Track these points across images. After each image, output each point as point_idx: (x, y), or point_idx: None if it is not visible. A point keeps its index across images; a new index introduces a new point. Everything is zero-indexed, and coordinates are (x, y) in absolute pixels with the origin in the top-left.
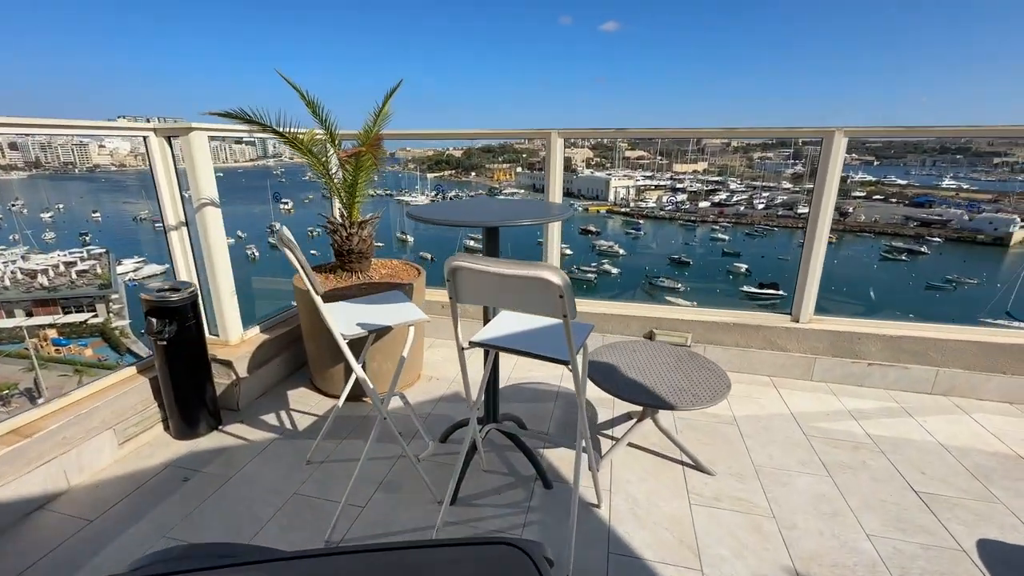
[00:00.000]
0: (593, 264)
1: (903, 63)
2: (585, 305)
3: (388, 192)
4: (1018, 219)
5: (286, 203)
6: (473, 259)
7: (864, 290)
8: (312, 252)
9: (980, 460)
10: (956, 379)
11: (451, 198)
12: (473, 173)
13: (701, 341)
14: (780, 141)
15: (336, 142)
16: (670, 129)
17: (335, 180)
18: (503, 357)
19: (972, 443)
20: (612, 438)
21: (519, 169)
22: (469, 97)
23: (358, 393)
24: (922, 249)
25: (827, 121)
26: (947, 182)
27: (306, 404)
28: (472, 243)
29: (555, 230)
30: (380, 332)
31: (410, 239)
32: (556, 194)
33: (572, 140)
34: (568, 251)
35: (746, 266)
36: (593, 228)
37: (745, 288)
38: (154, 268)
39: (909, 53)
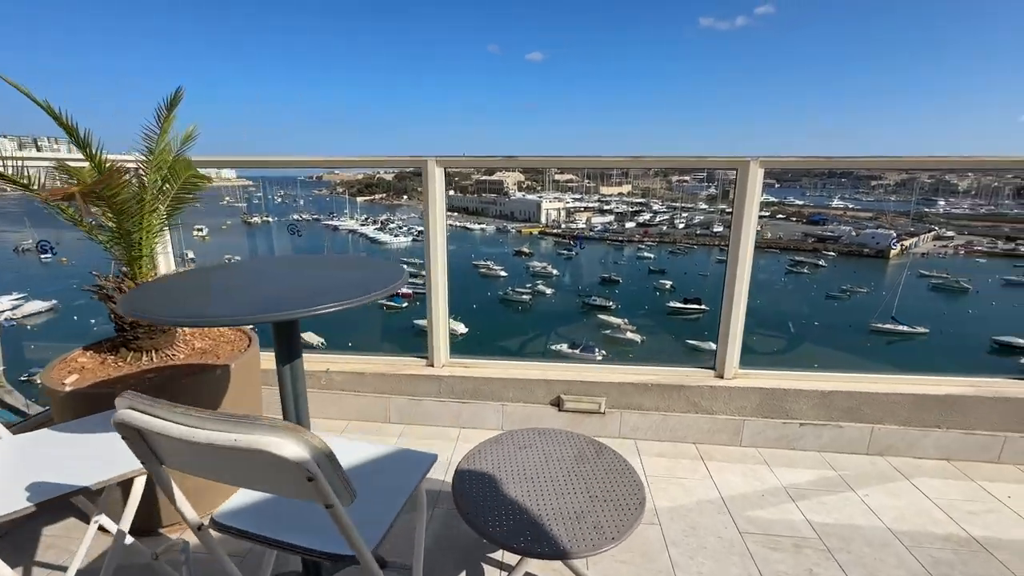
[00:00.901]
0: (528, 286)
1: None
2: (480, 368)
3: (315, 216)
4: (895, 234)
5: (200, 229)
6: (154, 406)
7: (776, 306)
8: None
9: (935, 551)
10: (892, 437)
11: (382, 222)
12: (405, 196)
13: (617, 406)
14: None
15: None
16: (561, 158)
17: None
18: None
19: (922, 524)
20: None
21: (452, 192)
22: (391, 118)
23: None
24: (820, 263)
25: (737, 148)
26: (836, 202)
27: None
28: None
29: (440, 300)
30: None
31: None
32: (438, 232)
33: (454, 168)
34: (503, 273)
35: (671, 282)
36: (526, 250)
37: (671, 303)
38: (38, 305)
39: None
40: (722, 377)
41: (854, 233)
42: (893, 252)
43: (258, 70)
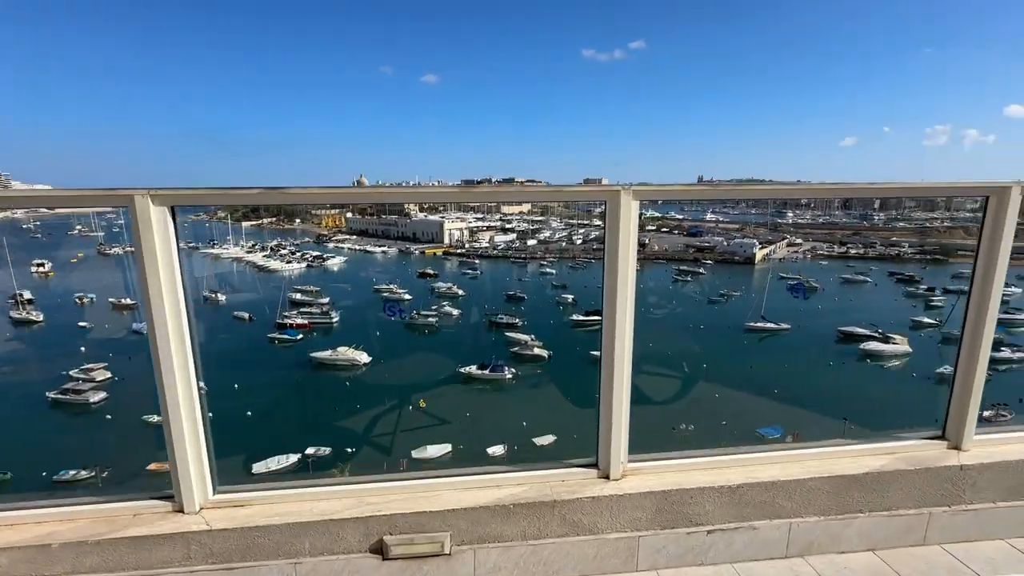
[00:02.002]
0: (434, 308)
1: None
2: (259, 507)
3: (191, 245)
4: (757, 243)
5: (41, 264)
6: None
7: (671, 317)
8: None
9: None
10: (813, 532)
11: (271, 248)
12: (298, 220)
13: (468, 541)
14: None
15: None
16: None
17: None
18: None
19: None
20: None
21: (349, 214)
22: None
23: None
24: (700, 271)
25: (618, 172)
26: (709, 215)
27: None
28: (298, 295)
29: None
30: None
31: (222, 298)
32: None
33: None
34: (407, 296)
35: (573, 296)
36: (430, 271)
37: (574, 316)
38: None
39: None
40: (607, 478)
41: (726, 243)
42: (758, 258)
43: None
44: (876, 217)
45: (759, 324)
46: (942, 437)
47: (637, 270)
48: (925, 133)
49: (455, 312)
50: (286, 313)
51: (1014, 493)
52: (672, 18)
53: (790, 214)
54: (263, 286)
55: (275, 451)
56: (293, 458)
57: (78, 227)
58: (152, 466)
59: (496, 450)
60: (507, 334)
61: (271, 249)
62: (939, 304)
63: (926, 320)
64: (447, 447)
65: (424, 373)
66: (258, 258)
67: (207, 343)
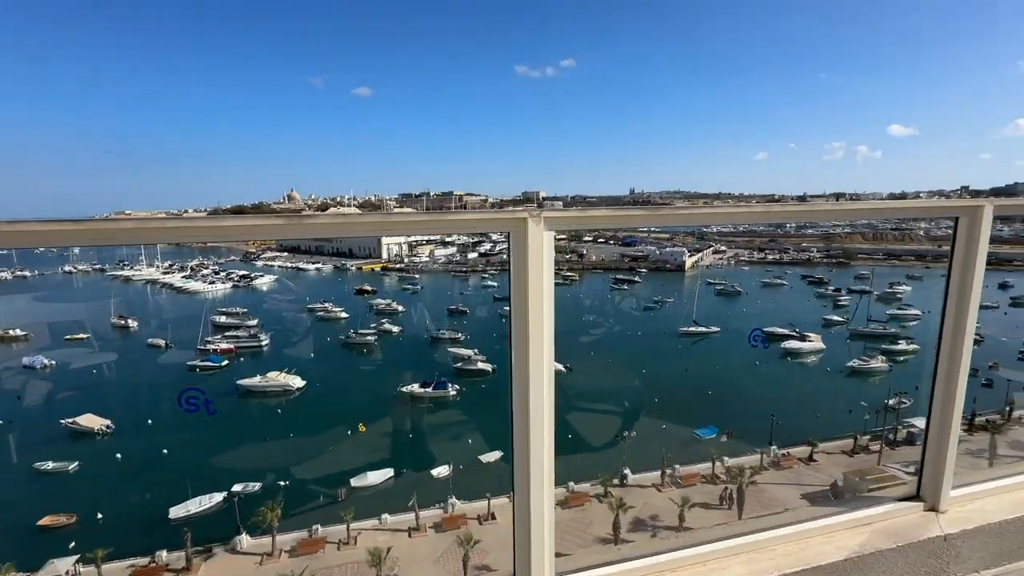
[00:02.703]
0: (372, 326)
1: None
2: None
3: (98, 267)
4: (686, 251)
5: None
6: None
7: (608, 323)
8: None
9: None
10: None
11: (192, 268)
12: None
13: None
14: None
15: None
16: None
17: None
18: None
19: None
20: None
21: None
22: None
23: None
24: (635, 279)
25: (545, 185)
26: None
27: None
28: (223, 318)
29: None
30: None
31: (133, 324)
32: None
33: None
34: (344, 315)
35: None
36: (368, 288)
37: None
38: None
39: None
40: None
41: (658, 252)
42: (687, 265)
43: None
44: (788, 225)
45: (691, 328)
46: (917, 497)
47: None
48: (825, 149)
49: (395, 329)
50: (208, 338)
51: (998, 557)
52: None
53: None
54: (183, 310)
55: (197, 491)
56: (217, 497)
57: None
58: (45, 520)
59: (441, 471)
60: (450, 349)
61: (191, 269)
62: (845, 303)
63: (835, 318)
64: (389, 472)
65: (363, 395)
66: (176, 279)
67: (116, 375)
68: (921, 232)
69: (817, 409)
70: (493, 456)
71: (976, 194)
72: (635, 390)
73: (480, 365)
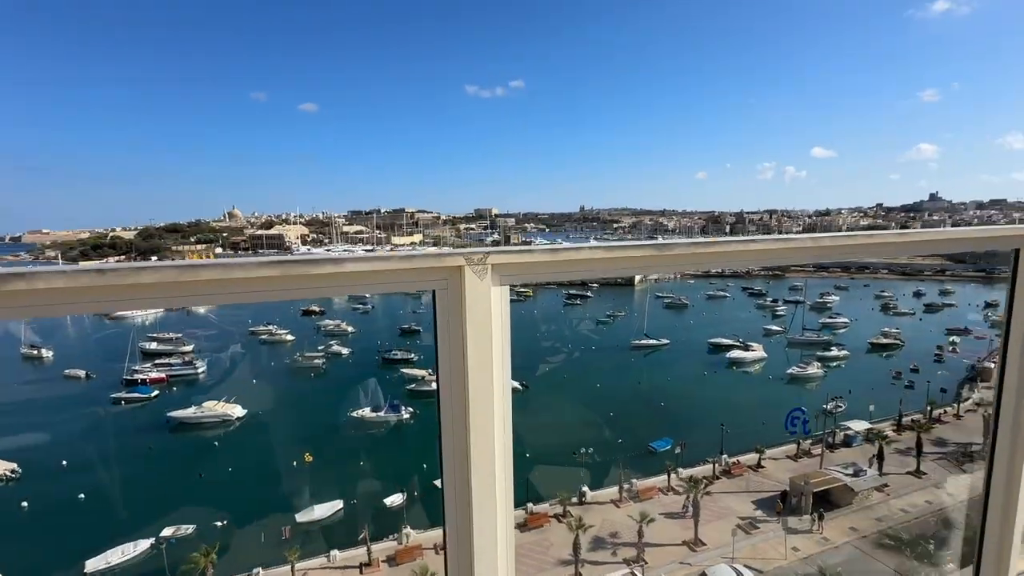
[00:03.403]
0: (320, 348)
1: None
2: None
3: None
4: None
5: None
6: None
7: (562, 339)
8: None
9: None
10: None
11: None
12: (154, 257)
13: None
14: (478, 214)
15: None
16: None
17: None
18: None
19: None
20: None
21: (219, 250)
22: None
23: None
24: (588, 294)
25: (506, 204)
26: (591, 242)
27: None
28: (154, 345)
29: None
30: None
31: (47, 354)
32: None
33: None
34: (289, 337)
35: None
36: (316, 308)
37: None
38: None
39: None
40: None
41: None
42: (637, 280)
43: None
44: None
45: (643, 341)
46: None
47: (529, 296)
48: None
49: (344, 351)
50: (136, 367)
51: None
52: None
53: (660, 239)
54: (108, 336)
55: (119, 538)
56: (143, 545)
57: None
58: None
59: (394, 500)
60: (402, 370)
61: None
62: (782, 313)
63: (774, 328)
64: (338, 504)
65: (310, 422)
66: None
67: (24, 412)
68: None
69: (762, 416)
70: None
71: (889, 211)
72: (591, 405)
73: (434, 385)
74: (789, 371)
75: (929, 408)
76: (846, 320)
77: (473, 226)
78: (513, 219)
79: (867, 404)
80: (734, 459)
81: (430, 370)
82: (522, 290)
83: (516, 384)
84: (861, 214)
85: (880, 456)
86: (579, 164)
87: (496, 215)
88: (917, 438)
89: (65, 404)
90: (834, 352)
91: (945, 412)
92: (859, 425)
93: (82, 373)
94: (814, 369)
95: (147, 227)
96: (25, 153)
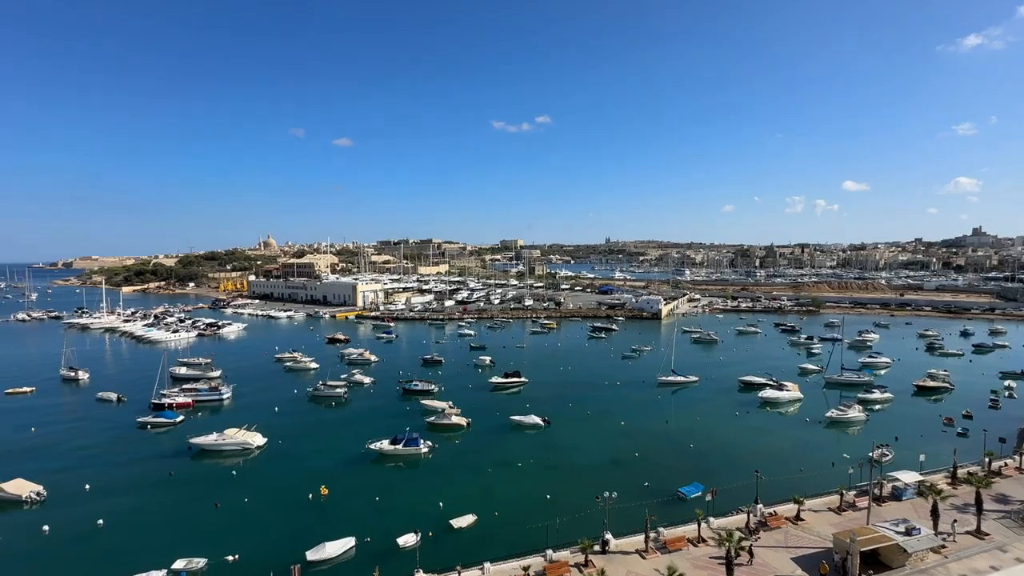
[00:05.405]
0: (343, 377)
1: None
2: None
3: (53, 314)
4: (662, 299)
5: None
6: None
7: (586, 371)
8: None
9: None
10: None
11: (155, 316)
12: (192, 284)
13: None
14: (504, 245)
15: None
16: None
17: None
18: None
19: None
20: None
21: (252, 277)
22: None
23: None
24: (613, 327)
25: (524, 234)
26: (617, 274)
27: None
28: (184, 369)
29: None
30: None
31: (83, 376)
32: None
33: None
34: (314, 365)
35: (490, 358)
36: (341, 336)
37: (493, 379)
38: None
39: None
40: None
41: (634, 300)
42: (663, 313)
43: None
44: (759, 274)
45: (670, 378)
46: None
47: (553, 328)
48: (786, 202)
49: (367, 380)
50: (164, 391)
51: None
52: (572, 99)
53: (688, 272)
54: (142, 360)
55: (132, 567)
56: None
57: None
58: None
59: (408, 540)
60: (423, 402)
61: (155, 317)
62: (818, 351)
63: (810, 366)
64: (351, 542)
65: (328, 453)
66: (138, 327)
67: (56, 434)
68: (883, 281)
69: (800, 462)
70: (466, 520)
71: (929, 246)
72: (615, 444)
73: (455, 419)
74: (828, 414)
75: (988, 460)
76: (888, 360)
77: (498, 257)
78: (538, 250)
79: (917, 453)
80: (770, 509)
81: (451, 403)
82: (546, 322)
83: (538, 420)
84: (899, 249)
85: (935, 512)
86: (605, 196)
87: (521, 246)
88: (976, 493)
89: (95, 427)
90: (876, 394)
91: (1006, 465)
92: (909, 476)
93: (114, 396)
94: (855, 412)
95: (187, 255)
96: (83, 183)
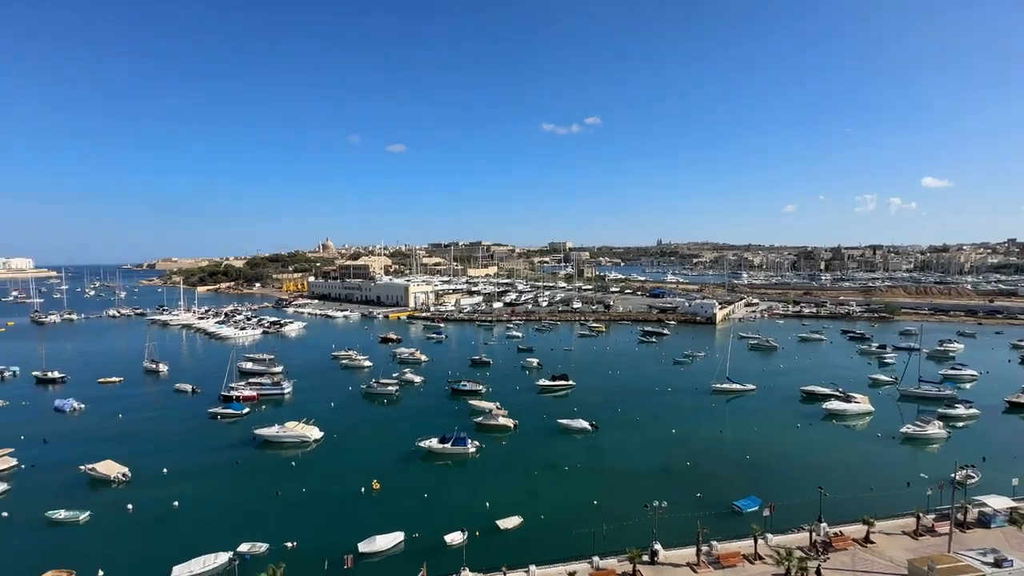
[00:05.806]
0: (395, 375)
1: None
2: None
3: (138, 311)
4: (717, 303)
5: None
6: None
7: (636, 376)
8: None
9: None
10: None
11: (225, 314)
12: (258, 284)
13: None
14: (552, 247)
15: None
16: None
17: None
18: None
19: None
20: None
21: (312, 278)
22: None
23: None
24: (664, 332)
25: (574, 235)
26: (669, 276)
27: None
28: (250, 364)
29: None
30: None
31: (163, 369)
32: None
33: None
34: (367, 363)
35: (537, 360)
36: (393, 336)
37: (540, 382)
38: None
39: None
40: None
41: (687, 304)
42: (719, 318)
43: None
44: (824, 277)
45: (725, 385)
46: None
47: (601, 332)
48: (856, 201)
49: (417, 379)
50: (232, 385)
51: None
52: (622, 99)
53: (745, 275)
54: (213, 355)
55: (202, 548)
56: (223, 558)
57: (14, 293)
58: (48, 575)
59: (455, 538)
60: (471, 402)
61: (225, 315)
62: (891, 361)
63: (883, 378)
64: (399, 536)
65: (380, 449)
66: (210, 324)
67: (140, 420)
68: (968, 286)
69: (870, 480)
70: (512, 522)
71: None
72: (665, 451)
73: (502, 420)
74: (903, 429)
75: None
76: (974, 372)
77: (547, 259)
78: (587, 252)
79: (1009, 476)
80: (835, 529)
81: (498, 404)
82: (594, 325)
83: (585, 424)
84: (988, 250)
85: None
86: (656, 197)
87: (570, 248)
88: None
89: (172, 415)
90: (960, 410)
91: None
92: (999, 502)
93: (189, 387)
94: (935, 429)
95: (254, 257)
96: (166, 194)
